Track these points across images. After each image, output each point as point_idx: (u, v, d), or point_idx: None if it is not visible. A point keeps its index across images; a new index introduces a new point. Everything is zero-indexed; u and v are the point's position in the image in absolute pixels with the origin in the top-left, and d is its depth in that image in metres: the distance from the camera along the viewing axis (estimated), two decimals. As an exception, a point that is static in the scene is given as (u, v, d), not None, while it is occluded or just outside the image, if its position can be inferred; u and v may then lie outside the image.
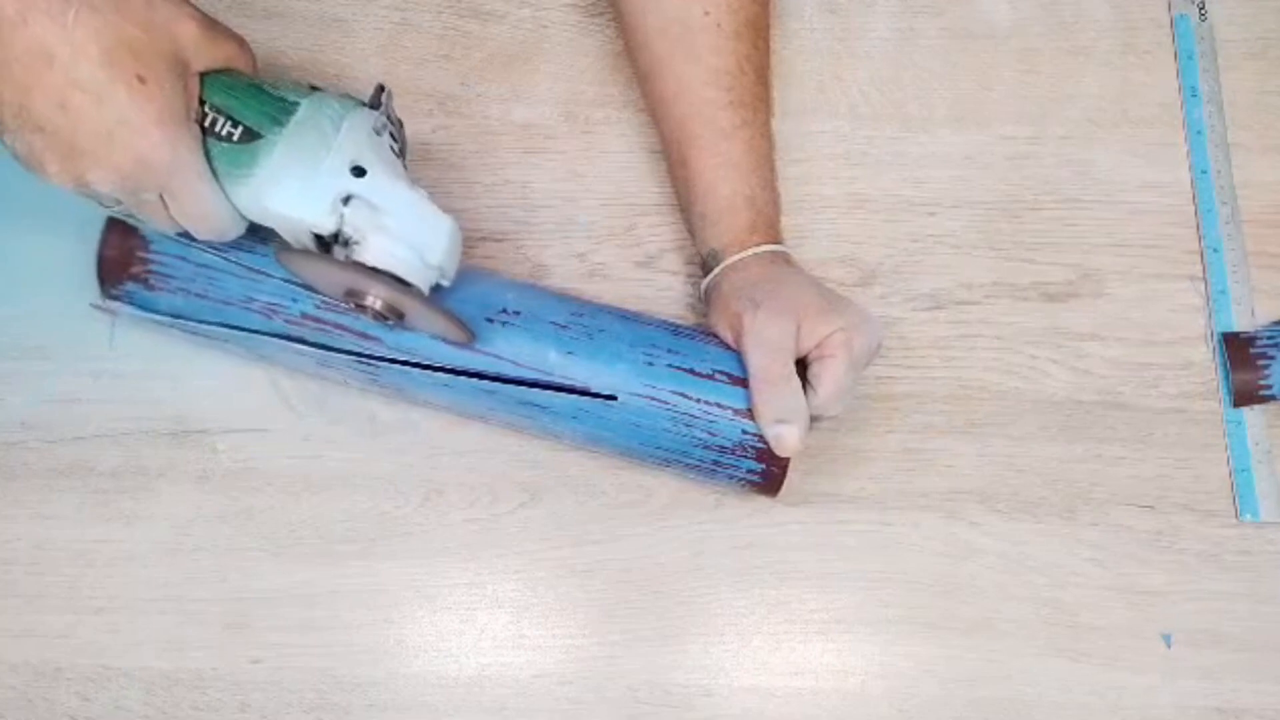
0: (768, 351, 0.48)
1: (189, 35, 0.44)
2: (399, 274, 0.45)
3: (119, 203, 0.46)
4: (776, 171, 0.56)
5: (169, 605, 0.52)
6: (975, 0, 0.64)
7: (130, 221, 0.50)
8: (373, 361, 0.50)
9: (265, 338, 0.51)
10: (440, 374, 0.50)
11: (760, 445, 0.49)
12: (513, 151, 0.60)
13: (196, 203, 0.45)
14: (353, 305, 0.47)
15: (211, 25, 0.45)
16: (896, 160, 0.60)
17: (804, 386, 0.48)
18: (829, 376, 0.48)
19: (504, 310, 0.50)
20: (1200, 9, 0.64)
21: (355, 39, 0.61)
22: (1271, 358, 0.56)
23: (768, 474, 0.50)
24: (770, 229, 0.54)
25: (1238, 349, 0.56)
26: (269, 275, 0.51)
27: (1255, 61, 0.63)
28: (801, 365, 0.49)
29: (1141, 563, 0.53)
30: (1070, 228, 0.59)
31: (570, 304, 0.52)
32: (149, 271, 0.51)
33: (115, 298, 0.52)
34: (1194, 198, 0.60)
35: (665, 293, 0.58)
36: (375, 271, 0.45)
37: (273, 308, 0.51)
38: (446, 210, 0.47)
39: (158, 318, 0.52)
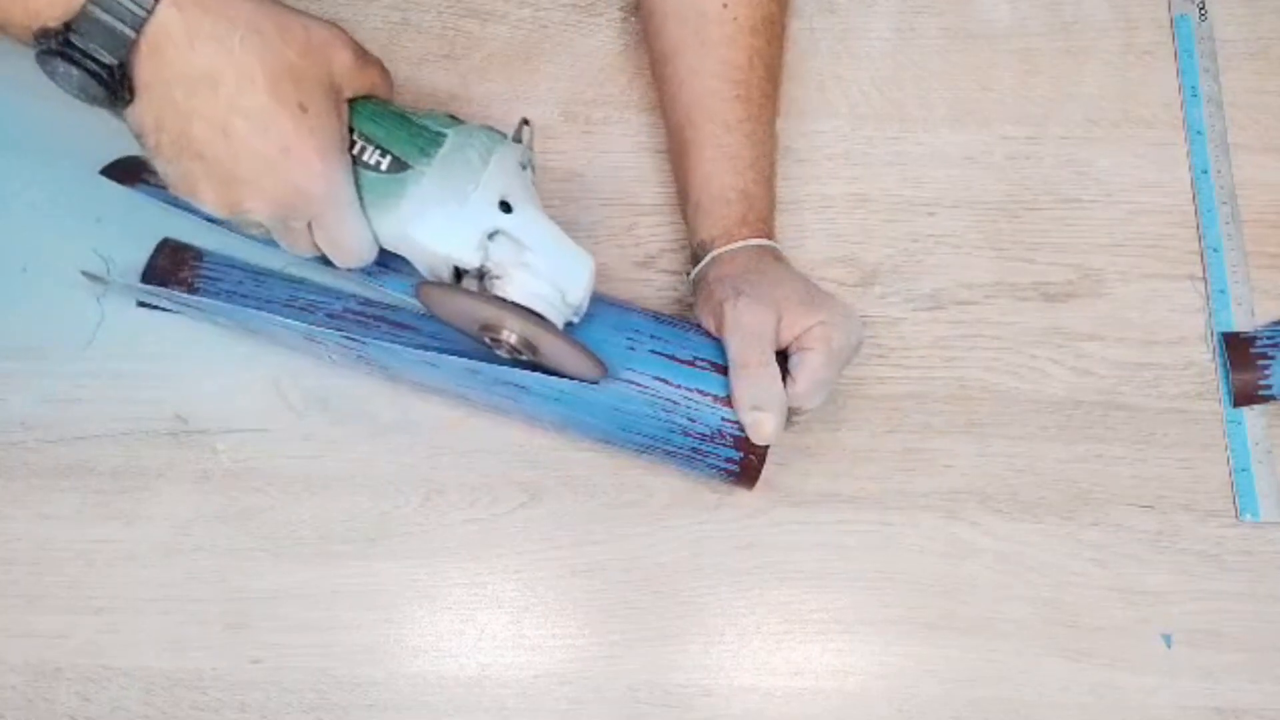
0: (747, 339, 0.48)
1: (343, 62, 0.44)
2: (539, 311, 0.45)
3: (260, 226, 0.45)
4: (776, 170, 0.56)
5: (169, 605, 0.52)
6: (975, 0, 0.64)
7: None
8: (358, 338, 0.51)
9: (254, 312, 0.52)
10: (426, 352, 0.50)
11: (739, 434, 0.49)
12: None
13: (345, 232, 0.45)
14: (488, 339, 0.47)
15: (361, 51, 0.45)
16: (896, 160, 0.60)
17: (783, 378, 0.48)
18: (807, 368, 0.48)
19: None
20: (1200, 9, 0.64)
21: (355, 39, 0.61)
22: (1271, 358, 0.56)
23: (745, 463, 0.50)
24: (762, 224, 0.54)
25: (1238, 349, 0.56)
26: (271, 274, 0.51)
27: (1255, 61, 0.63)
28: (782, 357, 0.49)
29: (1141, 563, 0.53)
30: (1070, 228, 0.59)
31: None
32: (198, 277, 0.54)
33: (147, 304, 0.54)
34: (1194, 198, 0.60)
35: (665, 293, 0.58)
36: (515, 307, 0.45)
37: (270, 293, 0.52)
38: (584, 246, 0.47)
39: (147, 294, 0.53)
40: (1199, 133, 0.61)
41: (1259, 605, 0.53)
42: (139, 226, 0.55)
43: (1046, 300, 0.58)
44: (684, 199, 0.55)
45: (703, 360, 0.50)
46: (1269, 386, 0.55)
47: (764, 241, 0.53)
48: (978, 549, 0.53)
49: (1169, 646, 0.52)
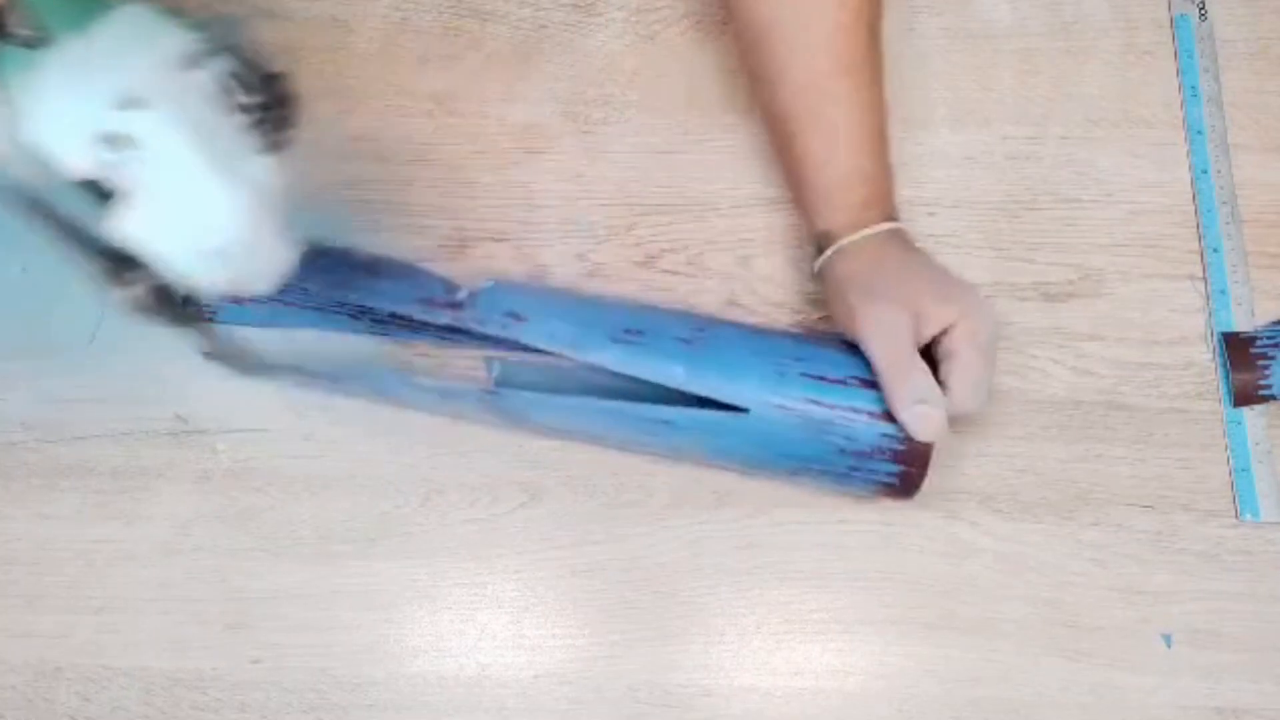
0: (888, 340, 0.48)
1: None
2: (148, 255, 0.37)
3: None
4: (889, 140, 0.54)
5: (169, 605, 0.52)
6: (975, 0, 0.64)
7: None
8: (497, 391, 0.51)
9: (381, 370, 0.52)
10: (569, 399, 0.50)
11: (898, 447, 0.48)
12: (513, 151, 0.60)
13: None
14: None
15: None
16: (897, 160, 0.60)
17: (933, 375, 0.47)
18: (961, 371, 0.47)
19: (627, 330, 0.50)
20: (1200, 9, 0.64)
21: (355, 39, 0.61)
22: (1271, 358, 0.56)
23: (905, 475, 0.49)
24: (884, 204, 0.52)
25: (1238, 349, 0.56)
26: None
27: (1255, 61, 0.63)
28: (924, 353, 0.48)
29: (1141, 563, 0.53)
30: (1070, 228, 0.59)
31: (690, 319, 0.52)
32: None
33: (206, 316, 0.53)
34: (1194, 198, 0.60)
35: (665, 293, 0.57)
36: (126, 254, 0.37)
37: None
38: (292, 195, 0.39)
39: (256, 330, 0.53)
40: (1199, 133, 0.61)
41: (1259, 605, 0.53)
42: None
43: (1046, 300, 0.58)
44: (797, 187, 0.54)
45: (854, 378, 0.49)
46: (1269, 386, 0.55)
47: (890, 226, 0.52)
48: (978, 549, 0.53)
49: (1169, 646, 0.52)
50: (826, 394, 0.49)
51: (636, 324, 0.50)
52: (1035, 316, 0.58)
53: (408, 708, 0.51)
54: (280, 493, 0.54)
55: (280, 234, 0.39)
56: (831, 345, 0.51)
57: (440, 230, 0.58)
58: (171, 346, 0.55)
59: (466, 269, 0.57)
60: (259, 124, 0.39)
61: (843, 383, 0.49)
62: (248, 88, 0.38)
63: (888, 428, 0.48)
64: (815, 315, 0.57)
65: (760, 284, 0.58)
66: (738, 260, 0.58)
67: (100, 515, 0.53)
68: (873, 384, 0.49)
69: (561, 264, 0.58)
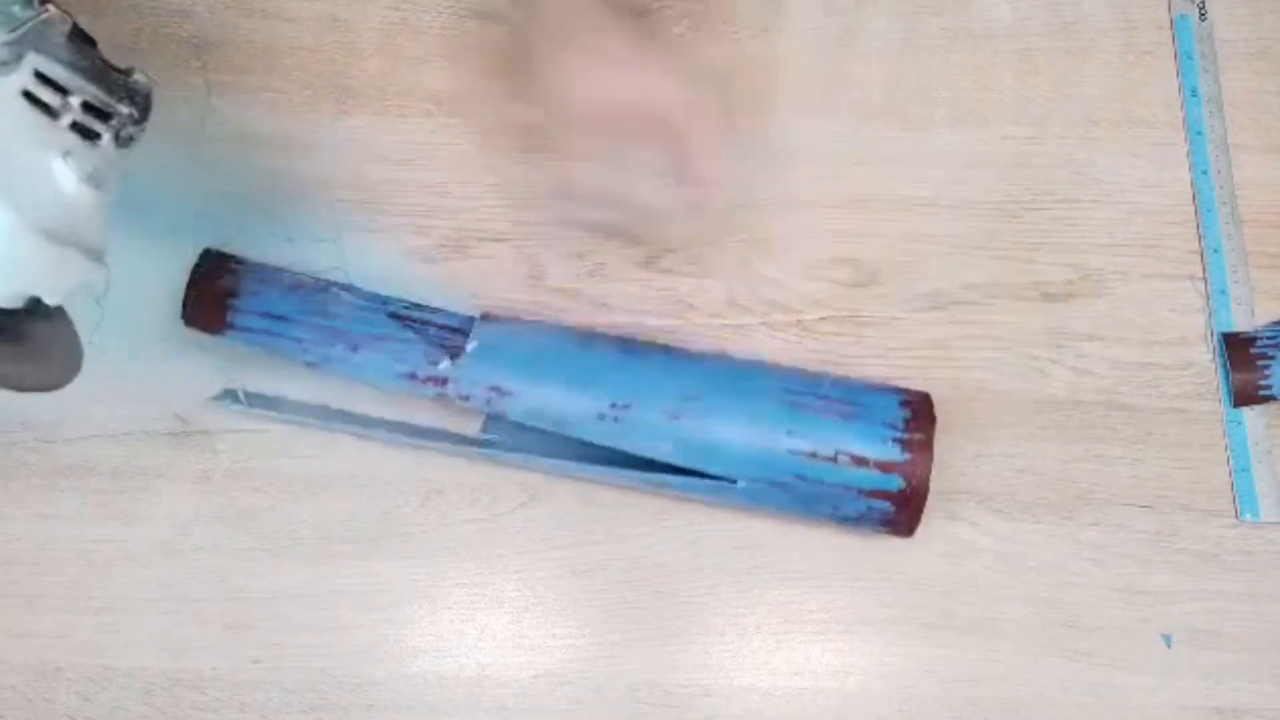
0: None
1: None
2: None
3: None
4: None
5: (169, 605, 0.52)
6: (975, 0, 0.64)
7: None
8: (486, 451, 0.53)
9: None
10: (559, 462, 0.52)
11: (888, 518, 0.49)
12: (513, 151, 0.60)
13: None
14: None
15: None
16: (896, 160, 0.60)
17: None
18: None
19: (614, 405, 0.50)
20: (1200, 9, 0.64)
21: (355, 39, 0.61)
22: (1271, 358, 0.56)
23: (897, 531, 0.51)
24: None
25: (1238, 349, 0.56)
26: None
27: (1255, 61, 0.63)
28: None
29: (1141, 563, 0.53)
30: (1070, 228, 0.59)
31: (682, 380, 0.51)
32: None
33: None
34: (1194, 198, 0.60)
35: (665, 293, 0.57)
36: None
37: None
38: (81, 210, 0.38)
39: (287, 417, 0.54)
40: (1199, 133, 0.61)
41: (1259, 605, 0.53)
42: (138, 229, 0.55)
43: (1046, 300, 0.58)
44: None
45: (844, 454, 0.49)
46: (1269, 386, 0.55)
47: None
48: (978, 549, 0.53)
49: (1169, 646, 0.52)
50: (815, 471, 0.49)
51: (624, 395, 0.50)
52: (1035, 316, 0.58)
53: (408, 708, 0.51)
54: (280, 493, 0.54)
55: (80, 243, 0.38)
56: (826, 405, 0.51)
57: (440, 230, 0.58)
58: (171, 347, 0.55)
59: (466, 269, 0.57)
60: (91, 123, 0.38)
61: (833, 460, 0.49)
62: (72, 88, 0.37)
63: (876, 503, 0.49)
64: (815, 315, 0.57)
65: (760, 284, 0.58)
66: (738, 260, 0.58)
67: (100, 515, 0.53)
68: (864, 460, 0.49)
69: (561, 264, 0.58)
